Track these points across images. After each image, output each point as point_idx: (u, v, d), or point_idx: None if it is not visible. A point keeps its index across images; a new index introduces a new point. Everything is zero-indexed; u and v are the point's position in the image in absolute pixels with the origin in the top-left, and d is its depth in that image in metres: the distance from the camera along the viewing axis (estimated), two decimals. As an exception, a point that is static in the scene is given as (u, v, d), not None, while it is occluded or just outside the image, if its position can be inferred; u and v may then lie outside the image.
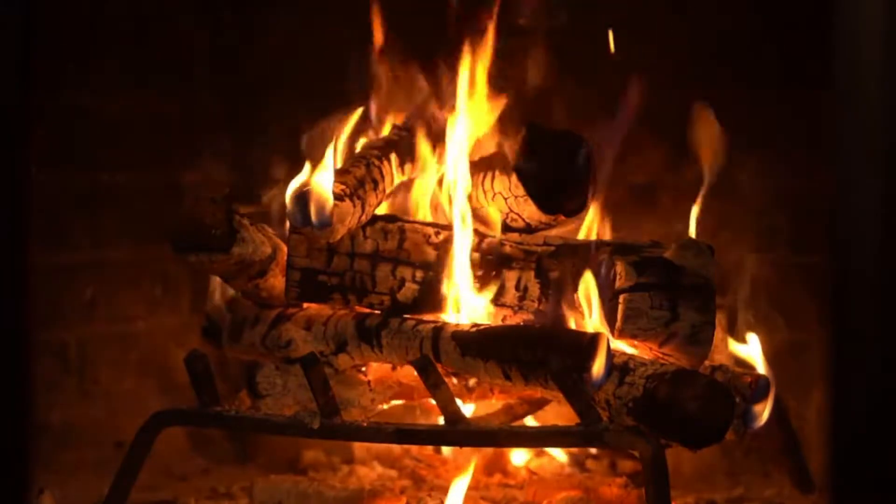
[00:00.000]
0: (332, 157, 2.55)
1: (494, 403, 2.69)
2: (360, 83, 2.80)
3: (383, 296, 2.61)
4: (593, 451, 3.12)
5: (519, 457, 3.07)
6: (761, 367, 2.57)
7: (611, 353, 2.41)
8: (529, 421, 2.72)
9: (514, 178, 2.59)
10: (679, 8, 3.11)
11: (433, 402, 2.46)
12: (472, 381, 2.62)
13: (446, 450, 3.07)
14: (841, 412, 2.01)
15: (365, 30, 2.81)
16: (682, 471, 2.92)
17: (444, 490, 2.86)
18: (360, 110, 2.76)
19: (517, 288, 2.57)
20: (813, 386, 2.99)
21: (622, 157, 2.72)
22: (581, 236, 2.73)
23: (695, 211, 2.64)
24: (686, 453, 2.43)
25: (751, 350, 2.61)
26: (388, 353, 2.59)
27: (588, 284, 2.47)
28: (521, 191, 2.59)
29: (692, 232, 2.64)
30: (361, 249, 2.62)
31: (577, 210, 2.64)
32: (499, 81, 2.81)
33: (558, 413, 2.79)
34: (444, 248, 2.60)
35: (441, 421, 2.48)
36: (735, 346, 2.64)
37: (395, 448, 3.12)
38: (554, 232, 2.66)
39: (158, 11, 3.22)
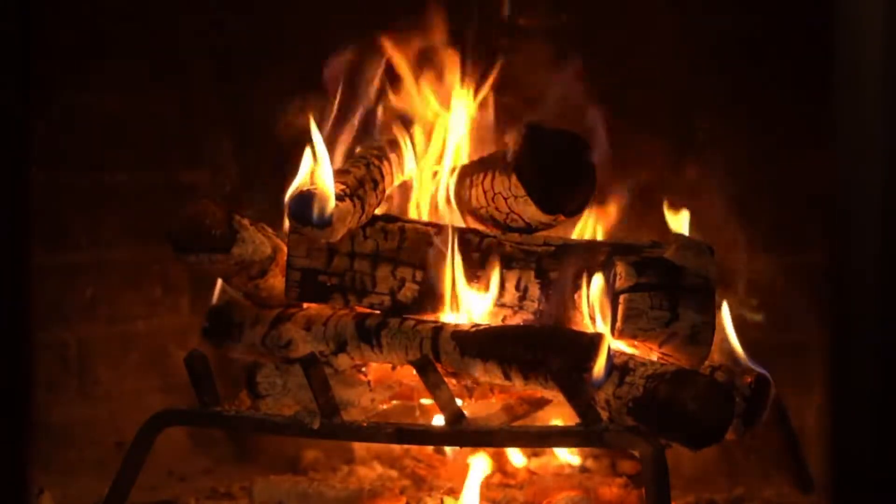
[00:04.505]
0: (330, 157, 2.55)
1: (494, 403, 2.69)
2: (363, 83, 2.81)
3: (383, 296, 2.61)
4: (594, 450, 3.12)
5: (519, 457, 3.07)
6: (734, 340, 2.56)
7: (611, 353, 2.41)
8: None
9: (514, 178, 2.59)
10: (679, 8, 3.11)
11: (433, 402, 2.46)
12: (471, 382, 2.62)
13: (447, 450, 3.06)
14: (841, 412, 2.01)
15: (367, 30, 2.81)
16: (682, 471, 2.92)
17: (444, 490, 2.87)
18: (360, 110, 2.77)
19: (517, 288, 2.57)
20: (813, 386, 2.99)
21: (622, 157, 2.72)
22: (581, 236, 2.73)
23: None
24: (686, 453, 2.42)
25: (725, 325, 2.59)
26: (388, 353, 2.59)
27: (593, 284, 2.47)
28: (521, 191, 2.59)
29: (687, 231, 2.64)
30: (361, 249, 2.62)
31: (577, 210, 2.64)
32: (498, 82, 2.81)
33: (558, 413, 2.79)
34: (444, 248, 2.60)
35: (441, 421, 2.48)
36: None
37: (395, 448, 3.12)
38: (554, 232, 2.66)
39: (158, 11, 3.22)
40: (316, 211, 2.48)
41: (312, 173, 2.52)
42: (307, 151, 2.55)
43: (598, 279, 2.47)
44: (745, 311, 3.03)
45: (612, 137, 2.68)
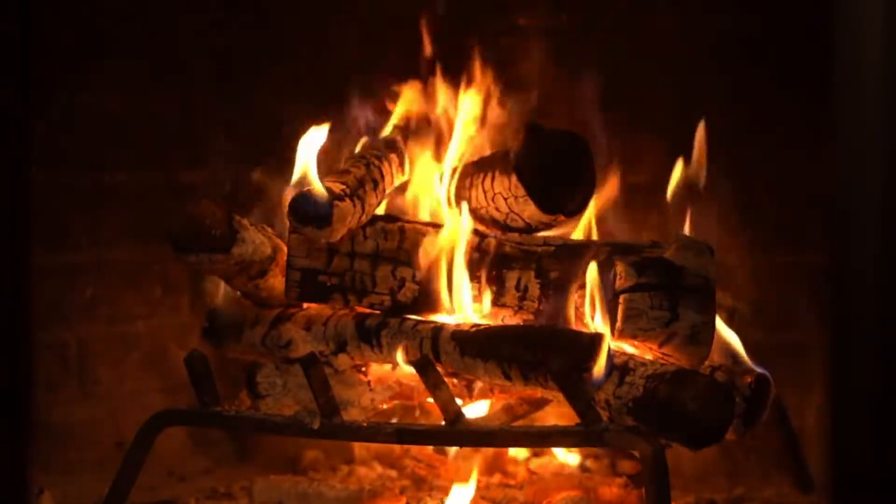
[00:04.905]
0: (318, 157, 2.56)
1: (494, 403, 2.69)
2: (362, 84, 2.81)
3: (383, 296, 2.61)
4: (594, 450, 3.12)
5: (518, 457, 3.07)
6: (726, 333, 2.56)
7: (611, 353, 2.41)
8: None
9: (514, 178, 2.59)
10: (679, 8, 3.11)
11: (434, 401, 2.46)
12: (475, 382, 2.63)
13: (448, 449, 3.06)
14: (841, 412, 2.01)
15: (368, 31, 2.81)
16: (682, 471, 2.92)
17: (444, 490, 2.87)
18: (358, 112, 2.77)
19: (517, 288, 2.57)
20: (813, 386, 2.99)
21: (622, 156, 2.72)
22: (581, 236, 2.73)
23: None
24: (686, 453, 2.42)
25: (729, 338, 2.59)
26: (388, 353, 2.59)
27: (592, 283, 2.47)
28: (521, 191, 2.59)
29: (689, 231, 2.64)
30: (362, 249, 2.62)
31: (577, 210, 2.64)
32: (498, 81, 2.81)
33: (558, 413, 2.79)
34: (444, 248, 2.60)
35: (441, 421, 2.48)
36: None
37: (395, 448, 3.12)
38: (554, 232, 2.66)
39: (158, 11, 3.22)
40: (316, 211, 2.48)
41: (310, 173, 2.52)
42: (301, 151, 2.56)
43: (597, 279, 2.47)
44: (745, 310, 3.02)
45: (612, 137, 2.68)
